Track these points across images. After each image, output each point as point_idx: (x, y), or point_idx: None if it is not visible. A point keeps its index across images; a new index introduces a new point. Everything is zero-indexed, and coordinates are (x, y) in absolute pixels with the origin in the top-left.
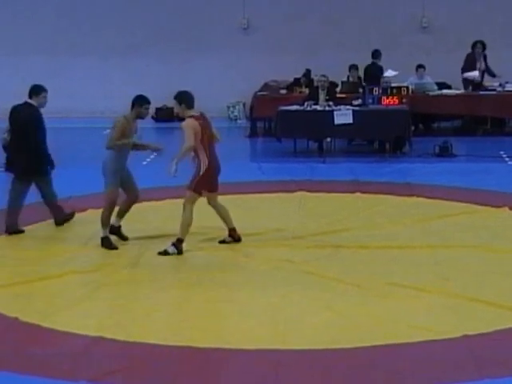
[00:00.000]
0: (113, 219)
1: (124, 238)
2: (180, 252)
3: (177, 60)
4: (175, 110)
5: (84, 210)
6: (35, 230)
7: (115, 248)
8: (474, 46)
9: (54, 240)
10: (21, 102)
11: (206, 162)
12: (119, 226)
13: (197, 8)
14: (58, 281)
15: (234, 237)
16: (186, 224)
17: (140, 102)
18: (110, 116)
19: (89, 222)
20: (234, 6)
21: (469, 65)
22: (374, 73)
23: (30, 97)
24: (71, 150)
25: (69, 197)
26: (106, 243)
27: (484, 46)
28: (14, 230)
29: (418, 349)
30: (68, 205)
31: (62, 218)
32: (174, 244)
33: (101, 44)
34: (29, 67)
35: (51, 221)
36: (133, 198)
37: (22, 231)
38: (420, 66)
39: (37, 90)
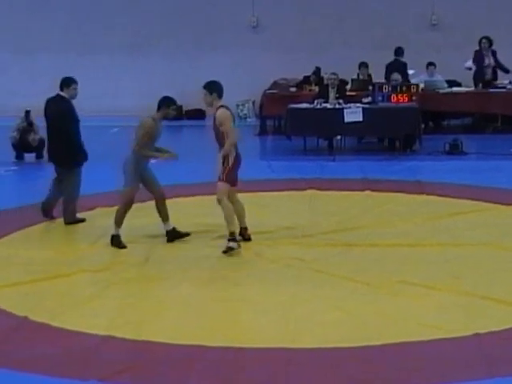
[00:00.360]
0: (162, 226)
1: (185, 235)
2: (239, 245)
3: (186, 58)
4: (205, 100)
5: (92, 208)
6: (44, 229)
7: (124, 247)
8: (480, 42)
9: (63, 239)
10: (29, 100)
11: (234, 154)
12: (173, 228)
13: (206, 6)
14: (67, 280)
15: (244, 236)
16: (230, 216)
17: (168, 103)
18: (118, 114)
19: (97, 221)
20: (243, 4)
21: (477, 61)
22: (397, 69)
23: (62, 89)
24: None
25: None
26: (116, 242)
27: (490, 42)
28: (71, 220)
29: (428, 347)
30: (77, 203)
31: (71, 221)
32: (230, 240)
33: (109, 42)
34: (37, 66)
35: (60, 220)
36: (159, 196)
37: (82, 220)
38: (430, 64)
39: (67, 82)
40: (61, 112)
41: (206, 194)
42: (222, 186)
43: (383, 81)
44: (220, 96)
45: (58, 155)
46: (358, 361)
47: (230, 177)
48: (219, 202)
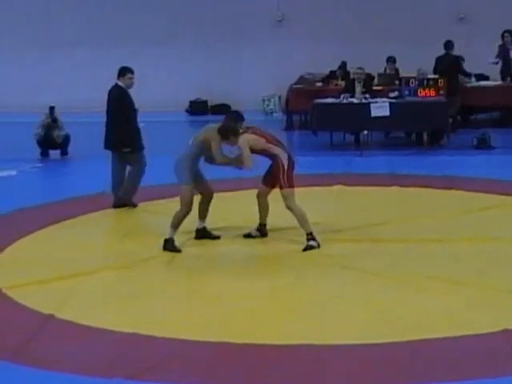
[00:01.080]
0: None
1: (215, 237)
2: (318, 245)
3: (212, 53)
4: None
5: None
6: (69, 225)
7: (179, 251)
8: (502, 36)
9: (89, 236)
10: (54, 95)
11: (287, 157)
12: (204, 228)
13: (232, 0)
14: (93, 277)
15: (261, 231)
16: (303, 217)
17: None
18: (145, 110)
19: (123, 218)
20: None
21: (502, 55)
22: (449, 63)
23: (118, 78)
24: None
25: (102, 191)
26: (170, 246)
27: None
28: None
29: (457, 343)
30: (101, 200)
31: (122, 202)
32: (309, 239)
33: (135, 37)
34: (63, 61)
35: (85, 216)
36: (208, 195)
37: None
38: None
39: (122, 72)
40: (114, 99)
41: (230, 190)
42: (288, 192)
43: (409, 75)
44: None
45: (116, 140)
46: (385, 357)
47: (290, 180)
48: (290, 208)
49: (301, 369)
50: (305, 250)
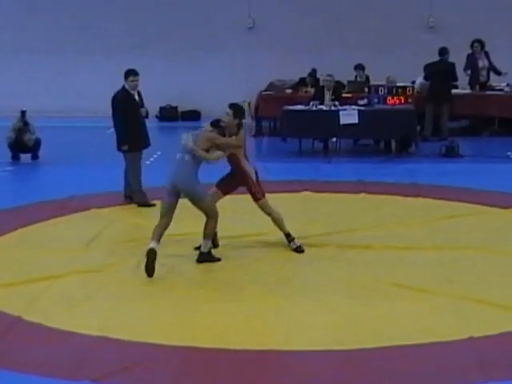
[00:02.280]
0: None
1: (216, 260)
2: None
3: (182, 59)
4: (228, 119)
5: (87, 209)
6: (38, 229)
7: (218, 259)
8: (472, 45)
9: (58, 239)
10: (28, 100)
11: (252, 169)
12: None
13: (202, 7)
14: (61, 280)
15: (213, 242)
16: (281, 219)
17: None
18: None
19: (92, 222)
20: (239, 5)
21: (471, 65)
22: (444, 70)
23: (125, 81)
24: (76, 149)
25: (71, 196)
26: (208, 257)
27: (482, 44)
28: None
29: (423, 351)
30: (71, 204)
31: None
32: (291, 240)
33: (107, 43)
34: (34, 66)
35: (54, 220)
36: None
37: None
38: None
39: (126, 74)
40: (115, 100)
41: None
42: (264, 202)
43: (379, 83)
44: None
45: (117, 140)
46: (351, 364)
47: (261, 189)
48: (269, 214)
49: (265, 374)
50: (296, 250)
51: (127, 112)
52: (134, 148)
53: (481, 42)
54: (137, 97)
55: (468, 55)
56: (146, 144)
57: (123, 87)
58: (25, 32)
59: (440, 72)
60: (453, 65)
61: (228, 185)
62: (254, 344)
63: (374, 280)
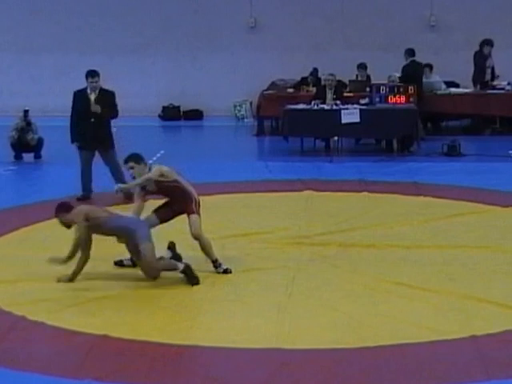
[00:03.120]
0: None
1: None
2: (228, 270)
3: (184, 59)
4: (136, 172)
5: None
6: (41, 228)
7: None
8: (483, 44)
9: (60, 239)
10: (31, 99)
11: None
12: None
13: (204, 7)
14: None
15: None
16: (210, 245)
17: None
18: (119, 115)
19: None
20: (241, 5)
21: (478, 63)
22: (418, 71)
23: None
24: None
25: (74, 195)
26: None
27: (492, 44)
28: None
29: (424, 349)
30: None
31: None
32: (218, 266)
33: (109, 43)
34: (38, 65)
35: (55, 220)
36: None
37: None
38: (426, 65)
39: (85, 75)
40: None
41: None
42: (197, 218)
43: (381, 82)
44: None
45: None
46: (353, 362)
47: (199, 212)
48: (198, 236)
49: (267, 373)
50: (225, 271)
51: (78, 111)
52: (81, 146)
53: (491, 42)
54: (93, 97)
55: (476, 53)
56: (92, 146)
57: (86, 87)
58: (27, 32)
59: (413, 74)
60: (421, 65)
61: (167, 212)
62: (257, 343)
63: (375, 279)
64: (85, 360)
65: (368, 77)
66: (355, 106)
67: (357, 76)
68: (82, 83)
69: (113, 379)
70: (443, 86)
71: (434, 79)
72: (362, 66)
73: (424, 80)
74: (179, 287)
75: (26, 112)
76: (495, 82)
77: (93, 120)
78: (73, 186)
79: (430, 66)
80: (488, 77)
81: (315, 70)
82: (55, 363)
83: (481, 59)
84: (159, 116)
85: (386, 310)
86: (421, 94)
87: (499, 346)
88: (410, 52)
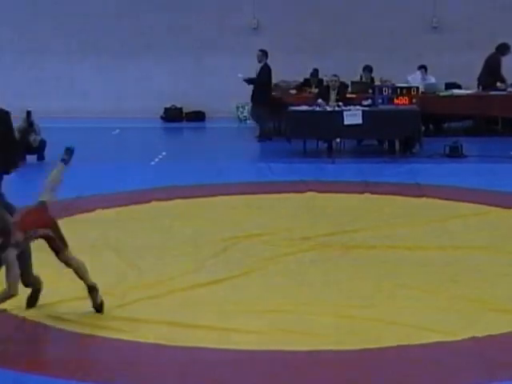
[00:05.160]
0: None
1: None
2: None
3: (186, 60)
4: None
5: (92, 210)
6: None
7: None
8: (503, 49)
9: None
10: (35, 100)
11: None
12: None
13: (207, 8)
14: (67, 283)
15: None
16: (84, 267)
17: None
18: (121, 116)
19: (96, 223)
20: (243, 6)
21: (495, 66)
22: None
23: None
24: (81, 150)
25: (77, 196)
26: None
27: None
28: None
29: (426, 350)
30: (76, 205)
31: None
32: (94, 296)
33: (112, 43)
34: (42, 68)
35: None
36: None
37: None
38: (421, 67)
39: None
40: None
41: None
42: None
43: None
44: None
45: None
46: (355, 364)
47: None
48: (67, 261)
49: (269, 374)
50: (98, 310)
51: None
52: None
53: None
54: None
55: (491, 56)
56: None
57: None
58: (30, 33)
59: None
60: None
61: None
62: (259, 345)
63: (378, 280)
64: (85, 361)
65: (372, 79)
66: (357, 107)
67: (361, 77)
68: (86, 84)
69: (114, 381)
70: (442, 87)
71: (429, 80)
72: (367, 69)
73: (419, 82)
74: (181, 288)
75: (28, 113)
76: (498, 84)
77: None
78: (75, 187)
79: (425, 68)
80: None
81: (315, 71)
82: (55, 364)
83: (495, 62)
84: (161, 117)
85: (387, 312)
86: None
87: (500, 347)
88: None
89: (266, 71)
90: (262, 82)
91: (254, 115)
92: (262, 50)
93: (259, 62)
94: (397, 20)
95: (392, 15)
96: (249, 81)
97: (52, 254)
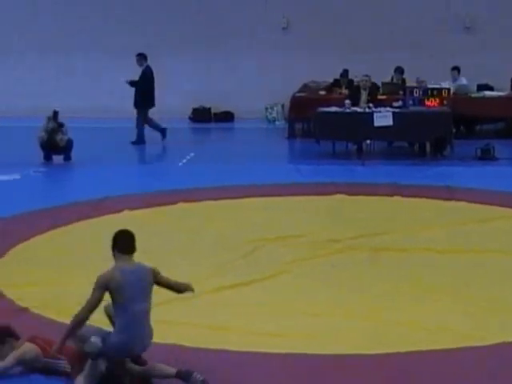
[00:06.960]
0: None
1: None
2: None
3: (216, 60)
4: None
5: (120, 210)
6: (70, 230)
7: None
8: None
9: (90, 241)
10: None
11: None
12: None
13: (236, 7)
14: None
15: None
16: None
17: None
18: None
19: (124, 224)
20: (273, 5)
21: None
22: None
23: None
24: (106, 150)
25: (105, 197)
26: None
27: None
28: None
29: (455, 356)
30: (104, 205)
31: None
32: None
33: (140, 43)
34: (67, 66)
35: (86, 221)
36: None
37: None
38: (454, 68)
39: None
40: None
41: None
42: None
43: (415, 85)
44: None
45: None
46: (379, 369)
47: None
48: None
49: (294, 377)
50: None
51: None
52: None
53: None
54: None
55: None
56: None
57: None
58: (56, 33)
59: None
60: None
61: None
62: (284, 347)
63: (406, 283)
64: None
65: (403, 80)
66: (388, 108)
67: (392, 78)
68: (113, 84)
69: None
70: (473, 89)
71: (461, 82)
72: (398, 70)
73: (450, 83)
74: (208, 292)
75: (55, 113)
76: None
77: None
78: (103, 188)
79: (458, 69)
80: None
81: (345, 72)
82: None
83: None
84: (189, 118)
85: (416, 315)
86: None
87: None
88: None
89: (146, 75)
90: (142, 86)
91: (136, 121)
92: (140, 54)
93: (140, 66)
94: (429, 20)
95: (424, 15)
96: (131, 84)
97: None
